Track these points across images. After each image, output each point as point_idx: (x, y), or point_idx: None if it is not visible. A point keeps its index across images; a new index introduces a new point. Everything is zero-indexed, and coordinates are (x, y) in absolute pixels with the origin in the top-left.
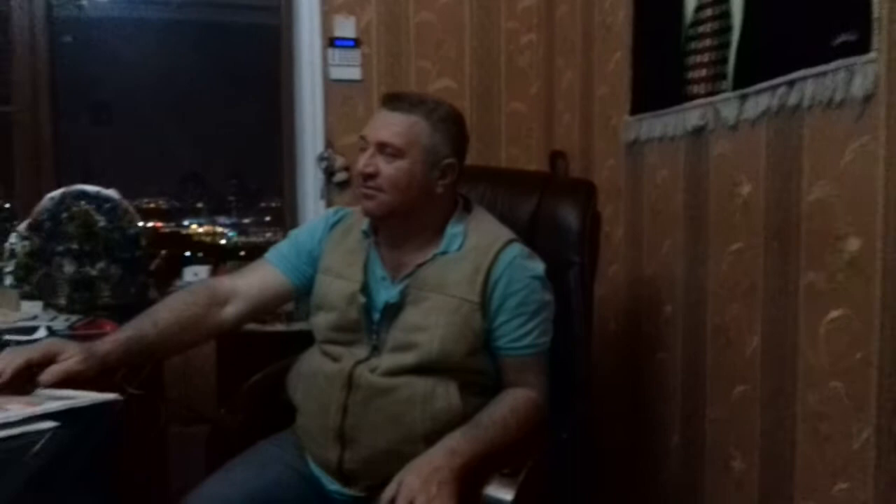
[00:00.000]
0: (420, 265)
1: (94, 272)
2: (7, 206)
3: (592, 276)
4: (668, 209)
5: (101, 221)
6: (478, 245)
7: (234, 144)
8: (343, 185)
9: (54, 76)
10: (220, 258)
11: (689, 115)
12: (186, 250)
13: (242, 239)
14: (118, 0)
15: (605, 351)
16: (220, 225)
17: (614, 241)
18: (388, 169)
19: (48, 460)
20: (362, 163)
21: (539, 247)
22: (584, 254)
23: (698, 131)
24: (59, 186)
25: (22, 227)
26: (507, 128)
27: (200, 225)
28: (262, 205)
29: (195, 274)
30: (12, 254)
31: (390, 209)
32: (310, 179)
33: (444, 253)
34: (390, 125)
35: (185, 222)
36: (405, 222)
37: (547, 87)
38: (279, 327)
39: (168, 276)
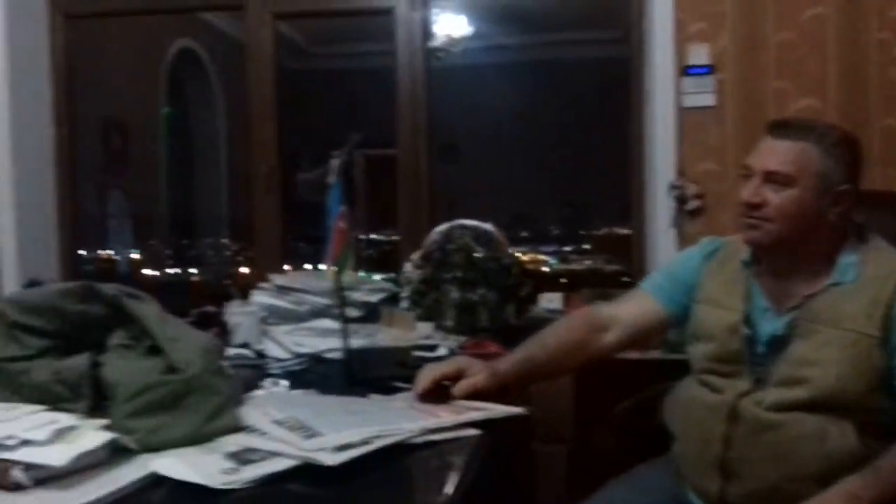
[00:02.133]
0: (809, 296)
1: (475, 297)
2: (395, 238)
3: None
4: None
5: (480, 252)
6: (876, 275)
7: (575, 175)
8: (695, 212)
9: (431, 122)
10: (570, 287)
11: None
12: None
13: (563, 266)
14: (467, 50)
15: None
16: (543, 253)
17: None
18: (776, 198)
19: (475, 466)
20: (747, 192)
21: None
22: None
23: None
24: (433, 220)
25: (415, 256)
26: (880, 146)
27: (524, 253)
28: (583, 233)
29: (550, 301)
30: (408, 281)
31: (778, 239)
32: (660, 208)
33: (836, 284)
34: (778, 153)
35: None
36: (793, 252)
37: None
38: (654, 355)
39: (526, 302)
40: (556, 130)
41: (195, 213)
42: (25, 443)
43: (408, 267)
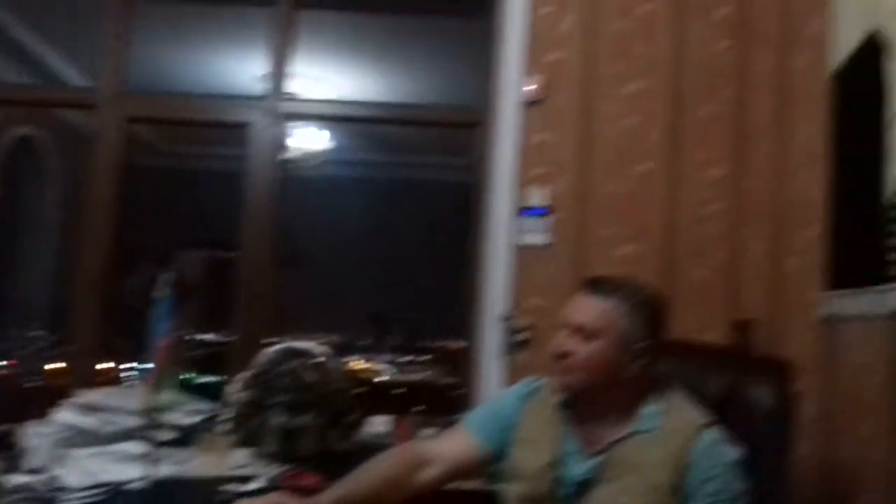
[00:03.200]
0: (614, 442)
1: (300, 423)
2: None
3: (788, 460)
4: (866, 390)
5: (311, 376)
6: (675, 427)
7: (415, 291)
8: (524, 344)
9: (278, 232)
10: (401, 410)
11: (891, 297)
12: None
13: (400, 377)
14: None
15: None
16: (381, 362)
17: (804, 419)
18: (582, 350)
19: None
20: (556, 343)
21: (731, 427)
22: (779, 438)
23: None
24: (269, 330)
25: (243, 376)
26: (689, 294)
27: (362, 361)
28: (424, 345)
29: (379, 424)
30: (232, 403)
31: (583, 388)
32: (491, 336)
33: (639, 432)
34: (587, 308)
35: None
36: (598, 400)
37: (733, 255)
38: (475, 485)
39: (354, 427)
40: (403, 245)
41: (11, 301)
42: None
43: (233, 388)
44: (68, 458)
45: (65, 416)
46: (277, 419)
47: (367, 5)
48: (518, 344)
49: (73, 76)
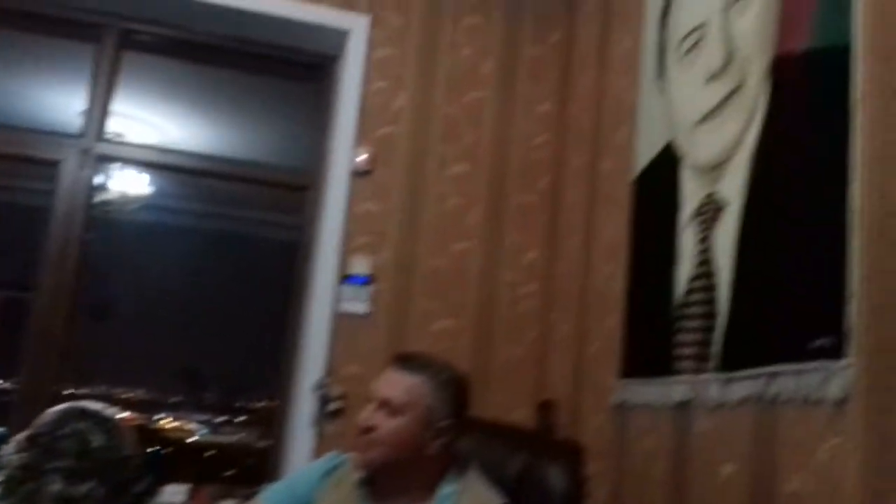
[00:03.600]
0: None
1: (80, 492)
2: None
3: None
4: (651, 475)
5: (98, 441)
6: None
7: (232, 348)
8: (336, 413)
9: (80, 273)
10: (198, 479)
11: (675, 389)
12: (152, 445)
13: (213, 438)
14: (147, 206)
15: None
16: (196, 421)
17: (597, 501)
18: (385, 424)
19: None
20: (362, 416)
21: None
22: None
23: (684, 405)
24: (61, 380)
25: (21, 436)
26: (500, 372)
27: (173, 420)
28: (241, 405)
29: (174, 494)
30: (5, 465)
31: (384, 462)
32: (304, 401)
33: None
34: (394, 383)
35: (157, 416)
36: (398, 477)
37: (542, 337)
38: None
39: (145, 497)
40: (222, 300)
41: None
42: None
43: (8, 448)
44: None
45: None
46: (54, 486)
47: (203, 57)
48: (331, 413)
49: None
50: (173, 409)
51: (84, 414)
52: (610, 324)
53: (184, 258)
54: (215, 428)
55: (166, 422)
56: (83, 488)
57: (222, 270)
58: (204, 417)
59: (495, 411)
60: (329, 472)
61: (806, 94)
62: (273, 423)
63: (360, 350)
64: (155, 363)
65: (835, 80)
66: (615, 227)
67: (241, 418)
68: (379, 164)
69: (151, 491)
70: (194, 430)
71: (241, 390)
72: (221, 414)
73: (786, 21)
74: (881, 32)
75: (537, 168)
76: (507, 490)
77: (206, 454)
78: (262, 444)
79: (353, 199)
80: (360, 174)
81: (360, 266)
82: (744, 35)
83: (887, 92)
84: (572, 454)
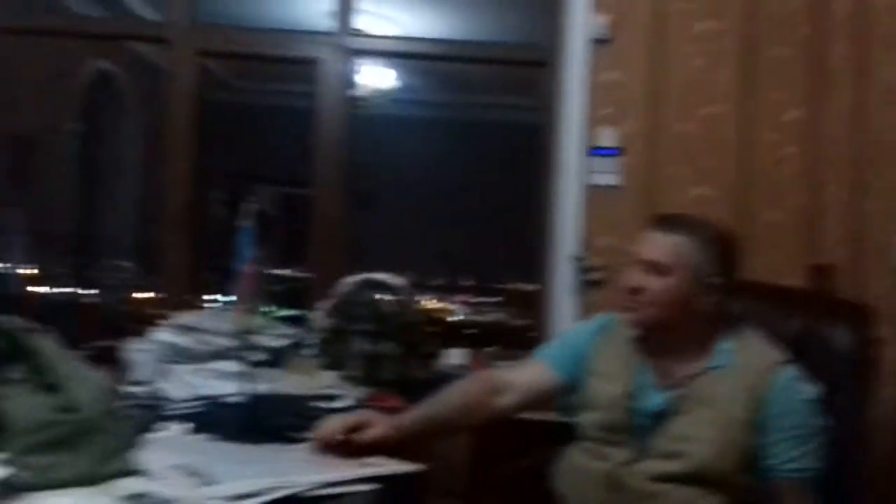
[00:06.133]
0: (689, 377)
1: (381, 351)
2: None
3: (868, 403)
4: None
5: (388, 307)
6: (750, 364)
7: (483, 231)
8: (596, 283)
9: (348, 168)
10: (477, 338)
11: None
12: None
13: (472, 317)
14: (392, 101)
15: (879, 479)
16: (453, 302)
17: (887, 362)
18: (653, 285)
19: None
20: (628, 278)
21: (808, 368)
22: (859, 381)
23: None
24: (344, 264)
25: (325, 305)
26: (764, 238)
27: (433, 301)
28: (494, 286)
29: (455, 357)
30: (316, 329)
31: (655, 323)
32: (563, 275)
33: (714, 367)
34: (658, 245)
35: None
36: (670, 335)
37: (810, 199)
38: (549, 416)
39: (430, 358)
40: (471, 186)
41: (98, 234)
42: None
43: (317, 315)
44: (169, 372)
45: (163, 334)
46: (360, 346)
47: None
48: (590, 283)
49: (146, 11)
50: (433, 291)
51: (374, 284)
52: (891, 177)
53: (430, 147)
54: (472, 309)
55: (430, 303)
56: (383, 347)
57: (468, 157)
58: (460, 299)
59: (762, 278)
60: (601, 330)
61: None
62: (527, 301)
63: (613, 222)
64: (415, 248)
65: None
66: (892, 70)
67: (496, 299)
68: (619, 30)
69: (436, 353)
70: (455, 311)
71: (493, 272)
72: (477, 295)
73: None
74: None
75: (794, 17)
76: (785, 349)
77: (467, 332)
78: (518, 322)
79: (593, 69)
80: (599, 43)
81: (607, 138)
82: None
83: None
84: (858, 314)
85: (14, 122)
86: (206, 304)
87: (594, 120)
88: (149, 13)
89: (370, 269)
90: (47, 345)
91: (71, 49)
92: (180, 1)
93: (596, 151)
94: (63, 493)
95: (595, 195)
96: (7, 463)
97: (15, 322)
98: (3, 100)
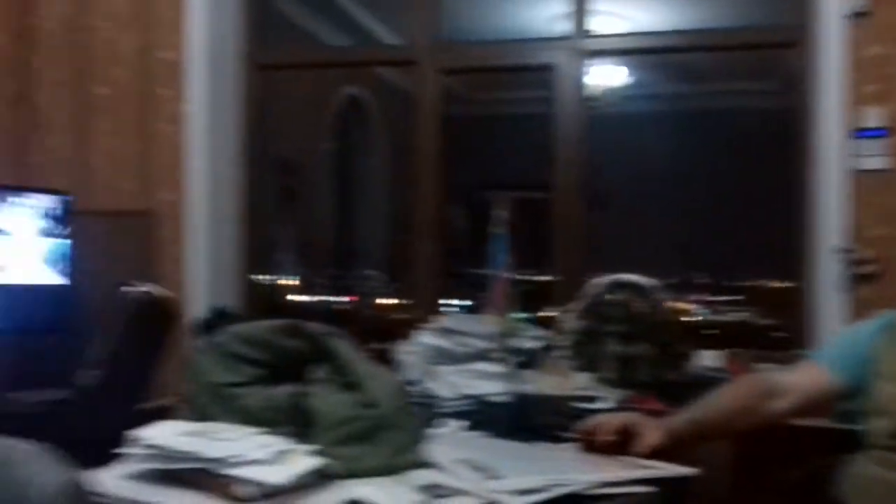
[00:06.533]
0: None
1: (635, 352)
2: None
3: None
4: None
5: (640, 307)
6: None
7: (727, 227)
8: (869, 278)
9: (585, 171)
10: (721, 340)
11: None
12: None
13: (713, 317)
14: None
15: None
16: (689, 301)
17: None
18: None
19: None
20: None
21: None
22: None
23: None
24: (586, 266)
25: (575, 307)
26: None
27: (671, 301)
28: (730, 284)
29: (709, 359)
30: (567, 331)
31: None
32: (826, 271)
33: None
34: None
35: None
36: None
37: None
38: (819, 422)
39: (682, 359)
40: (706, 179)
41: (352, 246)
42: (249, 462)
43: (566, 317)
44: (435, 373)
45: (426, 337)
46: (613, 347)
47: None
48: (861, 278)
49: (385, 34)
50: (669, 290)
51: (624, 284)
52: None
53: (665, 142)
54: (710, 308)
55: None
56: (637, 349)
57: (705, 148)
58: (697, 298)
59: None
60: (884, 329)
61: None
62: (776, 299)
63: (885, 209)
64: (651, 248)
65: None
66: None
67: (736, 297)
68: (878, 2)
69: (689, 354)
70: (692, 311)
71: (732, 269)
72: (713, 294)
73: None
74: None
75: None
76: None
77: (706, 332)
78: (763, 322)
79: (853, 45)
80: (856, 17)
81: (873, 118)
82: None
83: None
84: None
85: (281, 147)
86: (445, 309)
87: (857, 99)
88: (392, 38)
89: (608, 270)
90: (344, 347)
91: (325, 78)
92: (422, 24)
93: (862, 133)
94: (367, 481)
95: (862, 181)
96: (319, 454)
97: (316, 327)
98: (271, 128)
